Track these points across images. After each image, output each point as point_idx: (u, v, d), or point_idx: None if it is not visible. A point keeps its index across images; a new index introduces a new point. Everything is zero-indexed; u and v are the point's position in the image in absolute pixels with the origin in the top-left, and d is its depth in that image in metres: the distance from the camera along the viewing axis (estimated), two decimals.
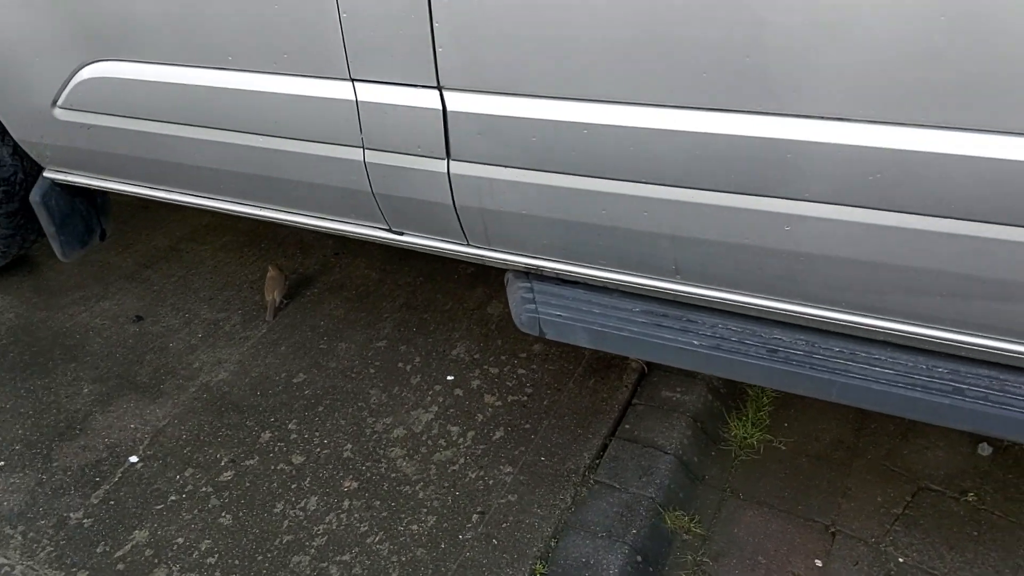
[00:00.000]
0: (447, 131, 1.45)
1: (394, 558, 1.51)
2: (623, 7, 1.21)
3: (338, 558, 1.52)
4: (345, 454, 1.74)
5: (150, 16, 1.59)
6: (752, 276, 1.41)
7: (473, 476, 1.68)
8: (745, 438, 1.80)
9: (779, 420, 1.84)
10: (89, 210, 2.16)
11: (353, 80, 1.49)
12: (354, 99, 1.50)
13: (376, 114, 1.49)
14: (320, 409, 1.86)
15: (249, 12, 1.49)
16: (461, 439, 1.77)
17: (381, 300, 2.20)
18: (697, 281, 1.48)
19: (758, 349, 1.46)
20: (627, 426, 1.79)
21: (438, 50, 1.38)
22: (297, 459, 1.73)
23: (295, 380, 1.94)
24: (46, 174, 2.04)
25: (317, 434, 1.79)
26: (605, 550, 1.52)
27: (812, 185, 1.24)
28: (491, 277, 2.27)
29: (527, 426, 1.80)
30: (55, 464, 1.73)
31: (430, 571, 1.49)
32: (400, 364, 1.98)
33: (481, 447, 1.75)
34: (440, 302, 2.19)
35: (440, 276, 2.28)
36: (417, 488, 1.66)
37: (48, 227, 2.07)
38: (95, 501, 1.65)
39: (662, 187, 1.36)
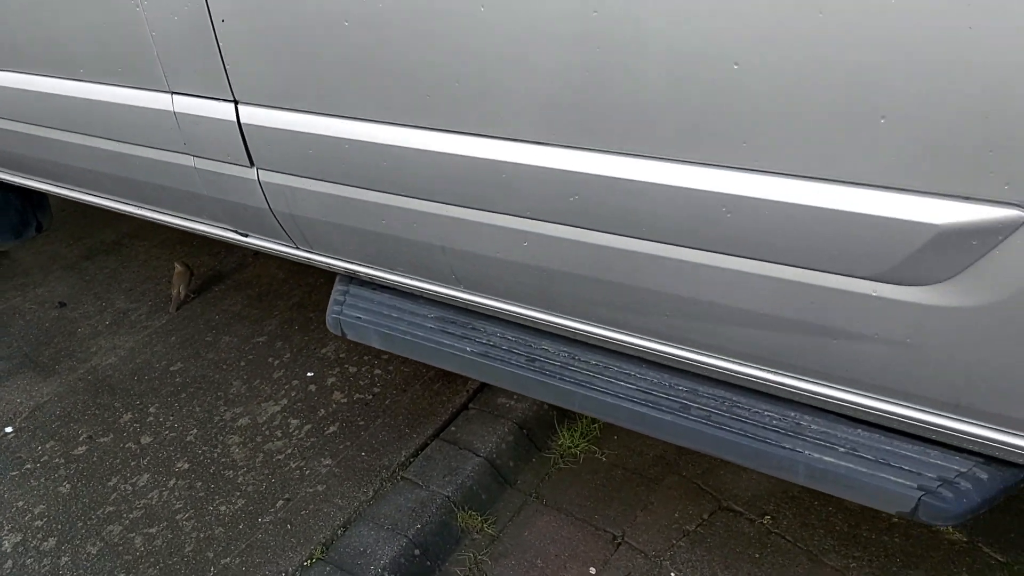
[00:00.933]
0: (245, 141, 1.58)
1: (194, 534, 1.65)
2: (352, 35, 1.31)
3: (146, 530, 1.66)
4: (189, 438, 1.89)
5: (19, 31, 1.78)
6: (514, 287, 1.48)
7: (293, 466, 1.80)
8: (569, 448, 1.86)
9: (610, 433, 1.89)
10: (24, 205, 2.39)
11: (172, 92, 1.64)
12: (172, 109, 1.65)
13: (191, 124, 1.64)
14: (183, 396, 2.02)
15: (89, 31, 1.66)
16: (297, 431, 1.89)
17: (278, 299, 2.35)
18: (474, 289, 1.56)
19: (519, 358, 1.53)
20: (452, 429, 1.87)
21: (227, 66, 1.51)
22: (145, 439, 1.89)
23: (172, 368, 2.11)
24: None
25: (171, 418, 1.95)
26: (384, 541, 1.61)
27: (528, 203, 1.31)
28: None
29: (361, 423, 1.91)
30: None
31: (220, 548, 1.62)
32: (270, 359, 2.12)
33: (312, 440, 1.87)
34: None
35: None
36: (239, 473, 1.79)
37: None
38: None
39: (421, 200, 1.45)
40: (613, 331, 1.43)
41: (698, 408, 1.37)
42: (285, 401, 1.97)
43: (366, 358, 2.10)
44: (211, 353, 2.14)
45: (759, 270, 1.17)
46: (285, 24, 1.38)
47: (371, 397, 1.98)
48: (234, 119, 1.56)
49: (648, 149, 1.16)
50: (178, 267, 2.34)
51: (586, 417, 1.92)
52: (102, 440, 1.89)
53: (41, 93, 1.84)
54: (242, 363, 2.10)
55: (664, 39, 1.05)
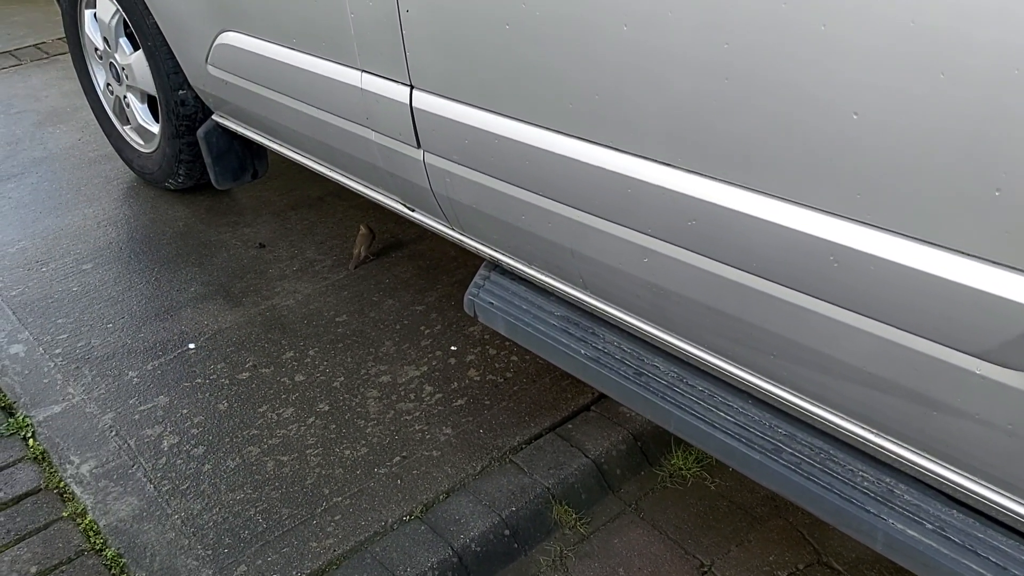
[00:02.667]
0: (415, 124, 1.73)
1: (318, 470, 1.84)
2: (512, 40, 1.41)
3: (279, 457, 1.88)
4: (335, 384, 2.10)
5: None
6: (633, 300, 1.53)
7: (417, 428, 1.95)
8: (680, 469, 1.88)
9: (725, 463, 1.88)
10: (244, 152, 2.72)
11: (362, 70, 1.82)
12: (360, 86, 1.83)
13: (374, 101, 1.81)
14: (340, 346, 2.23)
15: (301, 4, 1.87)
16: (428, 398, 2.04)
17: (443, 274, 2.52)
18: (597, 295, 1.62)
19: (628, 370, 1.57)
20: (569, 426, 1.95)
21: (408, 53, 1.66)
22: (299, 377, 2.12)
23: (337, 319, 2.33)
24: (213, 117, 2.62)
25: (325, 363, 2.17)
26: (479, 515, 1.72)
27: (650, 221, 1.35)
28: None
29: (487, 402, 2.02)
30: (141, 335, 2.29)
31: (335, 487, 1.80)
32: (422, 327, 2.29)
33: (439, 408, 2.01)
34: None
35: None
36: (369, 424, 1.97)
37: (207, 158, 2.65)
38: (149, 368, 2.16)
39: (556, 203, 1.53)
40: (722, 360, 1.44)
41: (791, 453, 1.36)
42: (425, 368, 2.13)
43: (507, 343, 2.21)
44: (373, 312, 2.34)
45: (862, 325, 1.15)
46: (457, 21, 1.50)
47: (502, 380, 2.08)
48: (407, 102, 1.70)
49: (764, 185, 1.17)
50: (362, 229, 2.56)
51: None
52: (263, 371, 2.13)
53: (263, 56, 2.09)
54: (397, 326, 2.28)
55: (789, 79, 1.06)
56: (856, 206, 1.07)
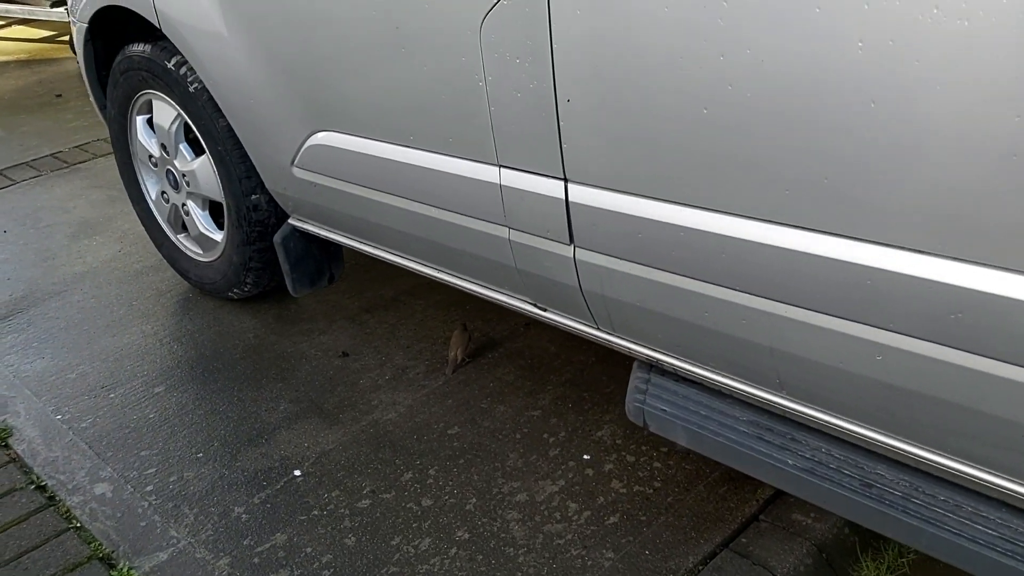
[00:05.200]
0: (570, 219, 1.62)
1: None
2: (710, 125, 1.31)
3: None
4: (468, 507, 1.94)
5: (350, 96, 1.95)
6: (853, 402, 1.40)
7: (575, 553, 1.79)
8: None
9: (921, 571, 1.73)
10: (322, 256, 2.60)
11: (500, 166, 1.72)
12: (499, 182, 1.72)
13: (516, 198, 1.70)
14: (461, 462, 2.08)
15: (426, 101, 1.78)
16: (576, 516, 1.89)
17: (549, 373, 2.38)
18: (801, 398, 1.49)
19: (852, 481, 1.43)
20: (744, 540, 1.79)
21: (564, 145, 1.56)
22: (426, 502, 1.96)
23: (449, 431, 2.19)
24: (290, 221, 2.51)
25: (450, 483, 2.01)
26: None
27: (894, 316, 1.24)
28: None
29: (643, 518, 1.87)
30: (238, 464, 2.12)
31: None
32: (545, 435, 2.15)
33: (592, 528, 1.85)
34: (603, 384, 2.32)
35: (613, 360, 2.41)
36: (519, 552, 1.80)
37: (284, 265, 2.53)
38: (256, 501, 2.00)
39: (758, 298, 1.41)
40: (972, 467, 1.30)
41: None
42: (562, 482, 1.98)
43: (643, 448, 2.07)
44: (487, 421, 2.20)
45: None
46: (636, 110, 1.41)
47: (652, 491, 1.94)
48: (562, 197, 1.60)
49: None
50: (458, 330, 2.44)
51: (893, 549, 1.77)
52: (384, 496, 1.97)
53: (367, 156, 1.99)
54: (517, 435, 2.14)
55: None
56: None
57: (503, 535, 1.85)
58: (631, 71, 1.39)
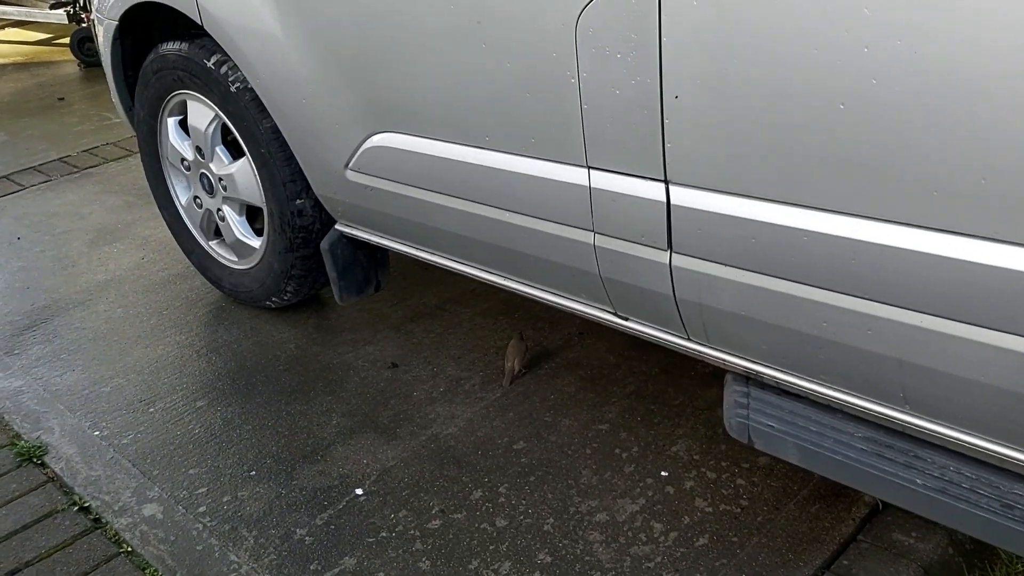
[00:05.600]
0: (670, 223, 1.53)
1: None
2: (848, 122, 1.23)
3: None
4: (546, 527, 1.84)
5: (419, 96, 1.86)
6: (994, 420, 1.32)
7: None
8: None
9: None
10: (369, 263, 2.51)
11: (589, 167, 1.63)
12: (588, 184, 1.63)
13: (607, 201, 1.61)
14: (531, 479, 1.98)
15: (507, 100, 1.69)
16: (662, 537, 1.80)
17: (612, 384, 2.29)
18: (927, 414, 1.41)
19: (990, 502, 1.35)
20: (845, 562, 1.71)
21: (667, 145, 1.47)
22: (500, 522, 1.87)
23: (515, 447, 2.09)
24: (337, 226, 2.41)
25: (523, 502, 1.91)
26: None
27: None
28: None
29: (734, 539, 1.78)
30: (295, 482, 2.02)
31: None
32: (617, 450, 2.05)
33: (681, 550, 1.76)
34: (670, 396, 2.23)
35: (676, 370, 2.33)
36: None
37: (331, 272, 2.43)
38: (319, 523, 1.90)
39: (891, 307, 1.32)
40: None
41: None
42: (643, 501, 1.89)
43: (723, 464, 1.98)
44: (552, 435, 2.11)
45: None
46: (759, 106, 1.32)
47: (739, 510, 1.85)
48: (662, 200, 1.51)
49: None
50: (515, 340, 2.35)
51: (1005, 570, 1.69)
52: (455, 516, 1.88)
53: (433, 157, 1.90)
54: (587, 451, 2.05)
55: None
56: None
57: (587, 558, 1.76)
58: (756, 64, 1.30)
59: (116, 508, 1.99)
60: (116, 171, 4.27)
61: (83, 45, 5.97)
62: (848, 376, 1.47)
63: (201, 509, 1.97)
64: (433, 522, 1.88)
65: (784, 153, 1.33)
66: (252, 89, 2.34)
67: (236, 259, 2.78)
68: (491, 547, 1.81)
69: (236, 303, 2.87)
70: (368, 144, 2.06)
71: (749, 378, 1.68)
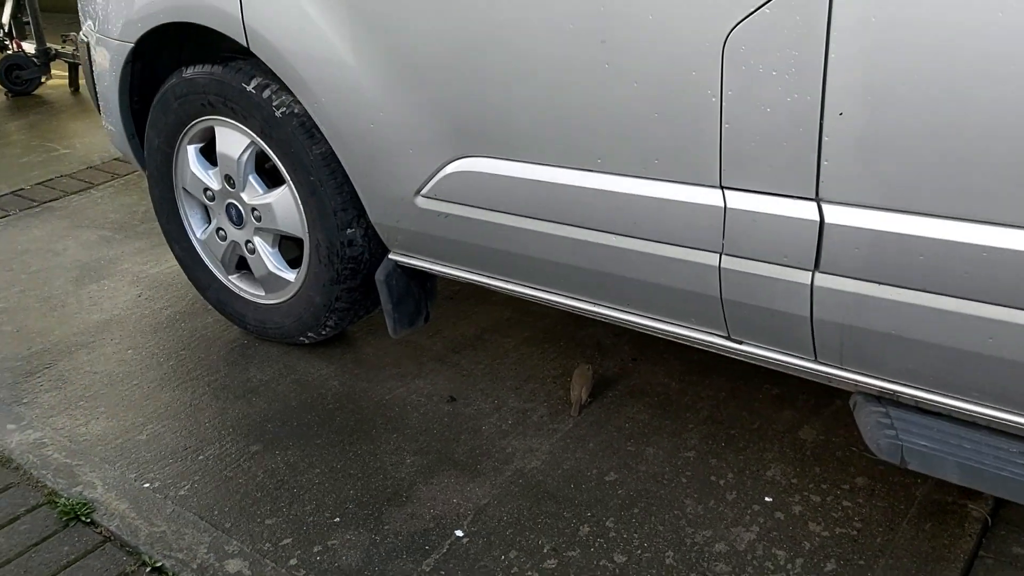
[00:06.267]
0: (820, 243, 1.52)
1: None
2: None
3: None
4: (667, 561, 1.79)
5: (522, 118, 1.80)
6: None
7: None
8: None
9: None
10: (421, 293, 2.42)
11: (723, 188, 1.60)
12: (722, 205, 1.61)
13: (745, 222, 1.59)
14: (635, 511, 1.93)
15: (629, 121, 1.66)
16: (789, 565, 1.77)
17: (684, 410, 2.27)
18: None
19: None
20: None
21: (823, 163, 1.46)
22: (619, 558, 1.80)
23: (607, 478, 2.04)
24: (391, 256, 2.32)
25: (636, 536, 1.86)
26: None
27: None
28: (799, 401, 2.28)
29: (861, 562, 1.77)
30: (386, 527, 1.92)
31: None
32: (712, 478, 2.02)
33: None
34: (746, 420, 2.22)
35: (743, 394, 2.32)
36: None
37: (386, 304, 2.34)
38: (426, 569, 1.80)
39: None
40: None
41: None
42: (756, 528, 1.86)
43: (824, 487, 1.98)
44: (642, 465, 2.06)
45: None
46: (941, 122, 1.32)
47: (855, 533, 1.84)
48: (814, 219, 1.50)
49: None
50: (580, 368, 2.30)
51: None
52: (569, 554, 1.81)
53: (529, 181, 1.85)
54: (682, 479, 2.01)
55: None
56: None
57: None
58: (933, 76, 1.30)
59: (195, 567, 1.84)
60: (81, 204, 4.05)
61: (11, 73, 5.67)
62: (1006, 393, 1.48)
63: (293, 562, 1.84)
64: (548, 562, 1.81)
65: (960, 167, 1.34)
66: (300, 115, 2.24)
67: (264, 293, 2.65)
68: None
69: (260, 341, 2.73)
70: (449, 170, 1.99)
71: (882, 398, 1.67)
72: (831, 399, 2.28)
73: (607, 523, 1.91)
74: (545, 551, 1.84)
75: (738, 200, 1.59)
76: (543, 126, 1.79)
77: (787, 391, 2.33)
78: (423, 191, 2.06)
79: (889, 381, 1.63)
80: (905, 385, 1.61)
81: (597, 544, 1.85)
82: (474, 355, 2.59)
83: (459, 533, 1.90)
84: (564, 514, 1.94)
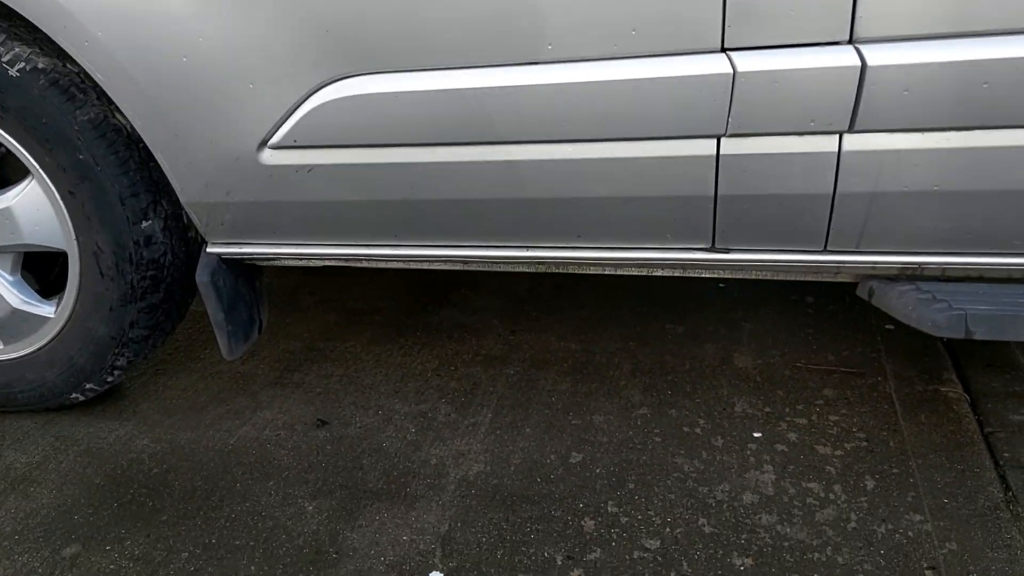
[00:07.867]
0: (859, 94, 1.29)
1: None
2: None
3: None
4: (705, 529, 1.45)
5: (436, 5, 1.37)
6: None
7: (883, 531, 1.43)
8: None
9: None
10: (251, 296, 1.84)
11: (726, 51, 1.31)
12: (730, 72, 1.32)
13: (757, 88, 1.32)
14: (631, 486, 1.57)
15: None
16: (831, 495, 1.52)
17: (604, 369, 1.96)
18: None
19: None
20: (1006, 454, 1.60)
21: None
22: (650, 543, 1.43)
23: (572, 460, 1.66)
24: (210, 249, 1.72)
25: (651, 512, 1.50)
26: None
27: None
28: (708, 330, 2.08)
29: (895, 471, 1.58)
30: None
31: None
32: (685, 429, 1.73)
33: (863, 499, 1.51)
34: (673, 364, 1.97)
35: (653, 339, 2.08)
36: (827, 553, 1.39)
37: (216, 314, 1.73)
38: None
39: None
40: None
41: None
42: (770, 468, 1.60)
43: (799, 408, 1.79)
44: (601, 436, 1.72)
45: None
46: None
47: (865, 443, 1.66)
48: (852, 65, 1.27)
49: None
50: None
51: None
52: (591, 557, 1.41)
53: (446, 92, 1.44)
54: (656, 439, 1.70)
55: None
56: None
57: (785, 543, 1.42)
58: None
59: None
60: None
61: None
62: None
63: None
64: (573, 572, 1.38)
65: None
66: (49, 70, 1.58)
67: (2, 346, 1.87)
68: (672, 573, 1.37)
69: (1, 415, 1.93)
70: (316, 101, 1.48)
71: (900, 277, 1.49)
72: (740, 322, 2.11)
73: (609, 508, 1.52)
74: (559, 563, 1.41)
75: (750, 62, 1.31)
76: (467, 9, 1.37)
77: (691, 326, 2.12)
78: (271, 140, 1.52)
79: (913, 254, 1.45)
80: (931, 254, 1.44)
81: (614, 535, 1.46)
82: (318, 369, 2.04)
83: (437, 575, 1.40)
84: (552, 513, 1.52)
